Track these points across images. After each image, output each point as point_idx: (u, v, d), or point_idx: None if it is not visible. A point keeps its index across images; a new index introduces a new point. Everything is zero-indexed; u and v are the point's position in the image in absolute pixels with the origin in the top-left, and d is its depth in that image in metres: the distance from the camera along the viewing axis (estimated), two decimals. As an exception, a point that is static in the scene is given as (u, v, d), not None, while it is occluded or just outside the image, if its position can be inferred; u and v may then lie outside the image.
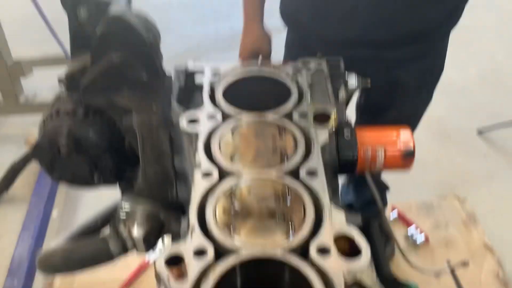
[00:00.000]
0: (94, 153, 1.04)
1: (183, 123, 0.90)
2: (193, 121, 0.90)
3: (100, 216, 1.32)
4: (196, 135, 0.88)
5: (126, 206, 1.03)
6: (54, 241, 1.28)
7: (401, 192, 2.71)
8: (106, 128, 1.04)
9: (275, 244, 0.69)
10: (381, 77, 1.67)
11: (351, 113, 1.41)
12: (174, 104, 0.96)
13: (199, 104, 0.99)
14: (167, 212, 1.07)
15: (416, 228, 2.46)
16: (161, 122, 0.96)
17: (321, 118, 0.92)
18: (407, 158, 1.10)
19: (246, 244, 0.69)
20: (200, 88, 1.02)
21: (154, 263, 0.66)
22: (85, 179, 1.09)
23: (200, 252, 0.68)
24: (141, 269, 2.34)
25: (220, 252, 0.69)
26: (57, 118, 1.03)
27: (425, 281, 2.20)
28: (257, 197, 0.77)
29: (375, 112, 1.89)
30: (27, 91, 3.27)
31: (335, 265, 0.67)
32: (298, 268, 0.66)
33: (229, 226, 0.72)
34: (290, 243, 0.69)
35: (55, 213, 2.77)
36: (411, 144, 1.11)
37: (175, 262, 0.66)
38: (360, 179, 2.31)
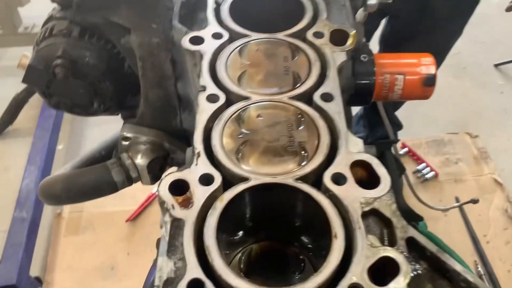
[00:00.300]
0: (92, 77, 0.97)
1: (186, 42, 0.82)
2: (197, 40, 0.82)
3: (104, 146, 1.28)
4: (201, 56, 0.80)
5: (128, 134, 0.98)
6: (57, 171, 1.26)
7: (412, 129, 2.65)
8: (103, 50, 0.97)
9: (287, 172, 0.64)
10: (412, 1, 1.54)
11: (373, 47, 1.30)
12: (176, 22, 0.87)
13: (203, 23, 0.90)
14: (172, 140, 1.02)
15: (426, 164, 2.42)
16: (162, 41, 0.88)
17: (339, 39, 0.83)
18: (427, 85, 1.03)
19: (255, 172, 0.64)
20: (204, 4, 0.92)
21: (158, 190, 0.61)
22: (84, 106, 1.03)
23: (206, 179, 0.63)
24: (148, 202, 2.35)
25: (227, 181, 0.64)
26: (51, 38, 0.95)
27: (433, 217, 2.20)
28: (267, 122, 0.70)
29: (400, 43, 1.76)
30: (26, 22, 3.14)
31: (351, 193, 0.61)
32: (311, 195, 0.61)
33: (237, 154, 0.66)
34: (303, 170, 0.64)
35: (60, 146, 2.75)
36: (433, 70, 1.03)
37: (180, 190, 0.61)
38: (373, 116, 2.24)
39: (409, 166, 2.45)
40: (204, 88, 0.75)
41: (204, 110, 0.72)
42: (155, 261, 0.96)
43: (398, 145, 2.51)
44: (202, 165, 0.64)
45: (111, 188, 0.97)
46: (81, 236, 2.27)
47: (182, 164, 1.00)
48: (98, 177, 0.96)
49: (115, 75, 0.99)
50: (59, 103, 1.02)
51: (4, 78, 3.08)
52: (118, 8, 0.89)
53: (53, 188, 0.98)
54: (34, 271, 2.12)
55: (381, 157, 1.01)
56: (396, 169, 0.96)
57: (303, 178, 0.63)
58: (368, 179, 0.66)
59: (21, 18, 3.13)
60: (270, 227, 0.73)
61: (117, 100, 1.03)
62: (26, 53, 0.96)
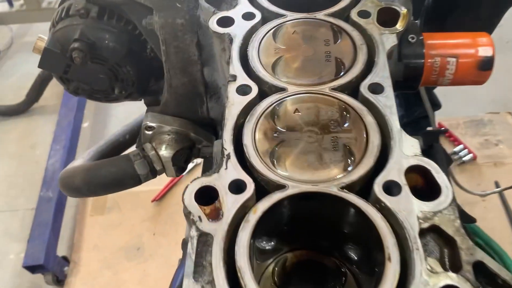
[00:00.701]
0: (112, 62, 0.89)
1: (214, 24, 0.72)
2: (226, 21, 0.73)
3: (128, 130, 1.21)
4: (230, 39, 0.71)
5: (152, 123, 0.91)
6: (79, 158, 1.20)
7: (448, 108, 2.50)
8: (124, 32, 0.88)
9: (329, 178, 0.56)
10: None
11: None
12: (203, 1, 0.78)
13: (233, 1, 0.81)
14: (197, 130, 0.94)
15: (464, 146, 2.28)
16: (187, 22, 0.79)
17: (388, 18, 0.72)
18: (483, 69, 0.91)
19: (293, 178, 0.55)
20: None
21: (183, 198, 0.54)
22: (104, 92, 0.96)
23: (237, 186, 0.55)
24: (174, 182, 2.30)
25: (260, 187, 0.56)
26: (67, 19, 0.88)
27: (470, 202, 2.09)
28: (307, 118, 0.62)
29: (445, 17, 1.60)
30: (49, -4, 3.08)
31: (406, 205, 0.53)
32: (359, 208, 0.52)
33: (271, 156, 0.58)
34: (349, 177, 0.55)
35: (85, 124, 2.72)
36: (490, 52, 0.91)
37: (207, 198, 0.53)
38: (409, 93, 2.10)
39: (446, 148, 2.32)
40: (234, 78, 0.66)
41: (234, 103, 0.64)
42: (181, 261, 0.90)
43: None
44: (233, 170, 0.56)
45: (134, 181, 0.91)
46: (107, 216, 2.25)
47: (209, 157, 0.93)
48: (120, 169, 0.89)
49: (137, 58, 0.92)
50: (78, 89, 0.95)
51: (29, 54, 3.05)
52: (138, -15, 0.80)
53: (73, 180, 0.92)
54: (61, 251, 2.12)
55: (429, 150, 0.91)
56: (446, 164, 0.86)
57: (349, 187, 0.55)
58: (425, 188, 0.57)
59: (44, -8, 3.07)
60: (308, 236, 0.65)
61: (139, 86, 0.96)
62: (41, 36, 0.88)
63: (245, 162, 0.58)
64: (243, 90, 0.65)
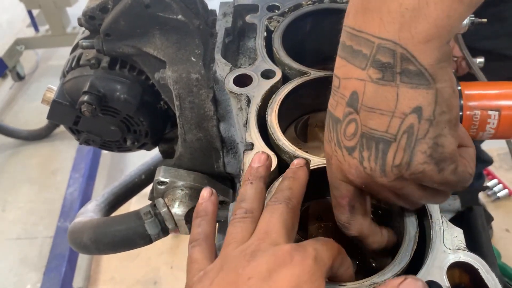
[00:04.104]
0: (124, 113, 0.84)
1: (230, 83, 0.66)
2: (243, 80, 0.67)
3: (144, 169, 1.16)
4: (248, 100, 0.65)
5: (164, 178, 0.85)
6: (93, 201, 1.15)
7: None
8: (136, 82, 0.83)
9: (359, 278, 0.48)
10: None
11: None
12: (219, 56, 0.72)
13: (252, 53, 0.75)
14: (213, 184, 0.88)
15: (498, 181, 2.16)
16: (202, 78, 0.73)
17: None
18: (529, 123, 0.83)
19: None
20: (253, 30, 0.77)
21: None
22: (117, 143, 0.91)
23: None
24: (193, 213, 2.25)
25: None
26: (77, 69, 0.83)
27: (505, 241, 1.96)
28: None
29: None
30: (74, 22, 3.11)
31: (450, 314, 0.45)
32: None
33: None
34: (382, 275, 0.48)
35: (105, 151, 2.70)
36: (537, 106, 0.82)
37: None
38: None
39: (478, 182, 2.20)
40: (251, 147, 0.59)
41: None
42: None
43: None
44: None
45: (145, 241, 0.85)
46: (125, 247, 2.21)
47: (223, 221, 0.87)
48: (130, 229, 0.83)
49: (150, 109, 0.86)
50: (88, 140, 0.90)
51: (53, 78, 3.08)
52: (151, 37, 0.75)
53: (81, 237, 0.86)
54: (77, 282, 2.08)
55: (468, 213, 0.82)
56: (487, 229, 0.77)
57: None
58: (470, 285, 0.49)
59: (69, 18, 3.10)
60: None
61: (153, 136, 0.90)
62: (50, 86, 0.84)
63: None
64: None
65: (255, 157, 0.52)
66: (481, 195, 2.14)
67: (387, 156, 0.42)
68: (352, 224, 0.49)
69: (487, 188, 2.11)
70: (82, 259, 2.19)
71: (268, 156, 0.52)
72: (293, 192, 0.48)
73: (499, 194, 2.12)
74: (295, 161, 0.52)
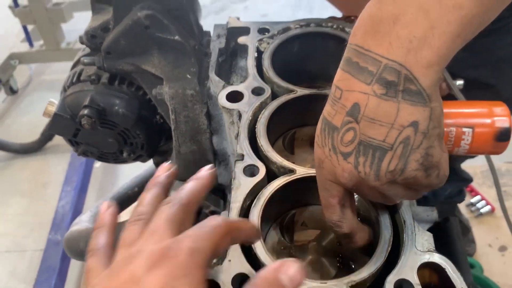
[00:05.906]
0: (122, 127, 0.89)
1: (223, 99, 0.72)
2: (235, 96, 0.72)
3: (137, 182, 1.21)
4: (239, 115, 0.70)
5: (158, 188, 0.89)
6: (87, 212, 1.19)
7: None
8: (134, 97, 0.88)
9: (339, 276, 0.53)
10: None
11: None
12: (213, 74, 0.77)
13: (243, 72, 0.80)
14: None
15: (481, 197, 2.22)
16: (197, 94, 0.79)
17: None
18: (500, 140, 0.88)
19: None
20: (245, 50, 0.83)
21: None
22: (113, 155, 0.96)
23: (241, 279, 0.53)
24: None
25: None
26: (78, 84, 0.88)
27: (488, 256, 2.02)
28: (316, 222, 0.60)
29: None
30: (69, 38, 3.17)
31: (420, 309, 0.49)
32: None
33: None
34: (359, 274, 0.52)
35: (97, 164, 2.73)
36: (507, 123, 0.88)
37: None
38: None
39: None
40: (241, 158, 0.65)
41: (240, 185, 0.62)
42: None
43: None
44: (237, 261, 0.54)
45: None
46: (115, 260, 2.22)
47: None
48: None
49: (147, 123, 0.91)
50: (86, 151, 0.94)
51: (46, 92, 3.12)
52: (150, 56, 0.80)
53: (78, 245, 0.90)
54: (67, 296, 2.09)
55: (444, 224, 0.87)
56: (463, 238, 0.82)
57: (359, 285, 0.52)
58: (440, 286, 0.54)
59: (64, 34, 3.15)
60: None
61: (148, 148, 0.95)
62: (52, 100, 0.89)
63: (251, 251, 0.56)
64: (250, 170, 0.64)
65: (160, 167, 0.52)
66: (465, 211, 2.20)
67: (382, 162, 0.47)
68: (344, 222, 0.54)
69: (463, 199, 2.14)
70: (72, 272, 2.20)
71: (171, 166, 0.52)
72: (186, 191, 0.47)
73: (482, 210, 2.18)
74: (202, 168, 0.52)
